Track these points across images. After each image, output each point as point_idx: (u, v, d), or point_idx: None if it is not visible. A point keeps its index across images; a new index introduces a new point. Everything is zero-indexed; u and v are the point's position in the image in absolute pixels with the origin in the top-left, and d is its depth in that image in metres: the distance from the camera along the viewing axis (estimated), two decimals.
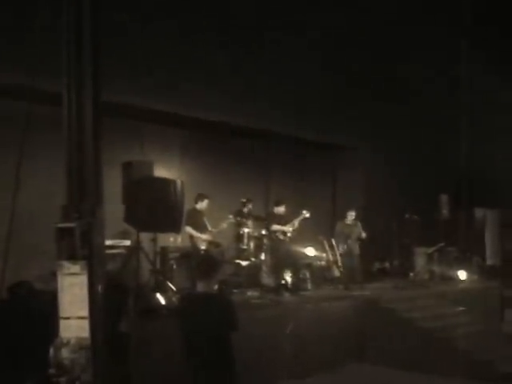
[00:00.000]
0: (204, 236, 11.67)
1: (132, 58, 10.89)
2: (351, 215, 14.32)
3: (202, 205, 11.92)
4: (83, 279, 4.16)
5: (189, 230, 11.56)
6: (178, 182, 10.17)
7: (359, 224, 14.29)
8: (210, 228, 11.95)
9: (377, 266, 16.50)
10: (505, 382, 9.65)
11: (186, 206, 10.71)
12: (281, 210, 12.95)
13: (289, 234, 12.81)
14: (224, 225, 12.08)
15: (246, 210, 12.59)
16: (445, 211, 17.05)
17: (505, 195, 18.69)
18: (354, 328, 11.30)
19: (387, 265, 16.37)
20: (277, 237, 12.69)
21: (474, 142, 19.03)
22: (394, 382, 9.99)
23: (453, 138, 18.62)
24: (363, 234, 14.11)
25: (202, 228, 11.77)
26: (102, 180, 4.49)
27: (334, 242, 13.79)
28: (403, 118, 17.00)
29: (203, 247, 11.57)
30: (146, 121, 12.79)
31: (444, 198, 17.12)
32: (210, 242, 11.75)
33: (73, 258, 4.16)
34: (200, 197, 11.92)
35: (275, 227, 12.69)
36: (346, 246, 13.94)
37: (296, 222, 12.83)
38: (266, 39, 13.26)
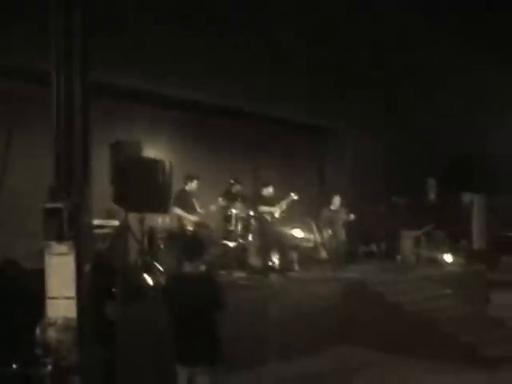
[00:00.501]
0: (192, 217, 11.61)
1: (121, 39, 10.82)
2: (336, 201, 14.32)
3: (192, 186, 11.85)
4: (70, 259, 4.16)
5: (177, 210, 11.51)
6: (167, 163, 10.14)
7: (344, 210, 14.29)
8: (198, 209, 11.92)
9: (363, 248, 16.57)
10: (489, 364, 9.73)
11: (175, 187, 10.68)
12: (269, 191, 12.88)
13: (276, 216, 12.77)
14: (213, 207, 12.06)
15: (233, 190, 12.58)
16: (432, 195, 17.12)
17: (494, 180, 18.79)
18: (341, 310, 11.35)
19: (374, 247, 16.43)
20: (264, 218, 12.66)
21: (464, 126, 19.05)
22: (380, 364, 10.07)
23: (441, 122, 18.62)
24: (351, 216, 14.12)
25: (190, 209, 11.71)
26: (89, 161, 4.48)
27: (321, 224, 13.85)
28: (391, 101, 16.98)
29: (190, 228, 11.53)
30: (134, 101, 12.73)
31: (431, 181, 17.18)
32: (197, 224, 11.68)
33: (60, 238, 4.16)
34: (189, 178, 11.85)
35: (263, 208, 12.65)
36: (331, 231, 13.97)
37: (284, 204, 12.79)
38: (253, 20, 13.18)
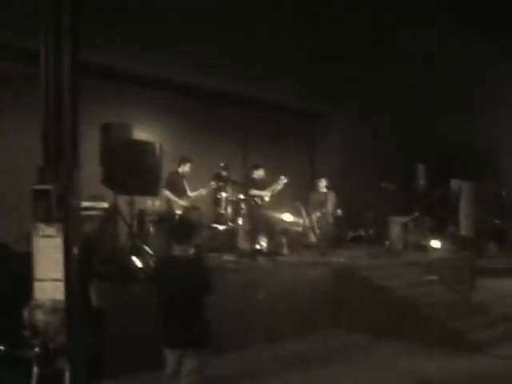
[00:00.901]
0: (181, 202, 11.58)
1: (112, 19, 10.75)
2: (322, 183, 14.38)
3: (184, 168, 11.82)
4: (58, 241, 4.13)
5: (167, 193, 11.48)
6: (157, 145, 10.11)
7: (333, 193, 14.33)
8: (189, 193, 11.89)
9: (351, 234, 16.61)
10: (475, 349, 9.82)
11: (165, 169, 10.65)
12: (259, 173, 12.86)
13: (266, 199, 12.75)
14: (203, 191, 12.02)
15: (224, 174, 12.54)
16: (421, 181, 17.14)
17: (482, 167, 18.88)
18: (329, 294, 11.39)
19: (362, 233, 16.47)
20: (254, 201, 12.64)
21: (453, 113, 19.09)
22: (367, 349, 10.13)
23: (432, 108, 18.65)
24: (338, 211, 14.19)
25: (181, 192, 11.69)
26: (78, 142, 4.45)
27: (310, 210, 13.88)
28: (382, 85, 16.97)
29: (179, 212, 11.46)
30: (125, 83, 12.67)
31: (421, 167, 17.20)
32: (186, 208, 11.63)
33: (48, 219, 4.13)
34: (183, 160, 11.82)
35: (253, 192, 12.62)
36: (320, 214, 14.00)
37: (275, 188, 12.75)
38: (245, 4, 13.13)
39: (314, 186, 14.78)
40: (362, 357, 9.68)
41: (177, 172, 11.80)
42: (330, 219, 14.11)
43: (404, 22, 16.99)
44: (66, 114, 4.33)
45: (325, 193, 14.35)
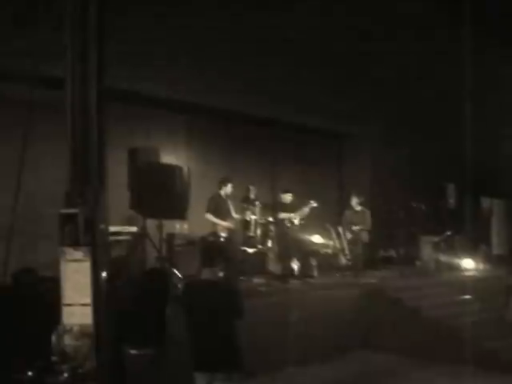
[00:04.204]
0: (224, 223, 11.42)
1: (137, 44, 10.81)
2: (355, 201, 14.11)
3: (226, 190, 11.63)
4: (86, 266, 4.12)
5: (209, 217, 11.36)
6: (185, 169, 10.14)
7: (368, 212, 14.08)
8: (234, 214, 11.77)
9: (382, 253, 16.45)
10: (510, 370, 9.64)
11: (193, 193, 10.59)
12: (287, 198, 12.83)
13: (296, 222, 12.70)
14: (236, 215, 11.92)
15: (251, 196, 12.51)
16: (451, 200, 16.98)
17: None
18: (360, 315, 11.29)
19: (392, 253, 16.29)
20: (283, 224, 12.60)
21: (481, 131, 18.90)
22: (399, 370, 9.99)
23: (460, 126, 18.49)
24: (369, 225, 13.93)
25: (225, 214, 11.52)
26: (106, 166, 4.44)
27: (340, 230, 13.75)
28: (410, 105, 16.86)
29: (223, 234, 11.30)
30: (152, 107, 12.75)
31: (451, 186, 17.05)
32: (231, 230, 11.51)
33: (76, 244, 4.12)
34: (224, 181, 11.65)
35: (282, 215, 12.58)
36: (352, 234, 13.80)
37: (303, 211, 12.68)
38: (267, 26, 13.11)
39: (347, 205, 14.59)
40: (397, 380, 9.55)
41: (219, 195, 11.62)
42: (364, 239, 13.84)
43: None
44: (92, 138, 4.33)
45: (360, 211, 14.02)
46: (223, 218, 11.48)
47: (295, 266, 12.26)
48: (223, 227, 11.41)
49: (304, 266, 12.54)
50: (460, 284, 13.21)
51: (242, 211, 12.18)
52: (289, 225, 12.63)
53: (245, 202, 12.32)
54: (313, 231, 13.57)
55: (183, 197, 9.98)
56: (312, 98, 14.46)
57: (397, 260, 16.00)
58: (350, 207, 14.13)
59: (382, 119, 16.38)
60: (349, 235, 13.75)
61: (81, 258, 4.07)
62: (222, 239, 11.19)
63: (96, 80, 4.40)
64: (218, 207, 11.45)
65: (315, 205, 12.73)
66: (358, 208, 14.00)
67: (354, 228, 13.72)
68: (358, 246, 13.70)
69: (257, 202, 12.33)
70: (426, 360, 10.26)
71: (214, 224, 11.42)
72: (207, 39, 11.44)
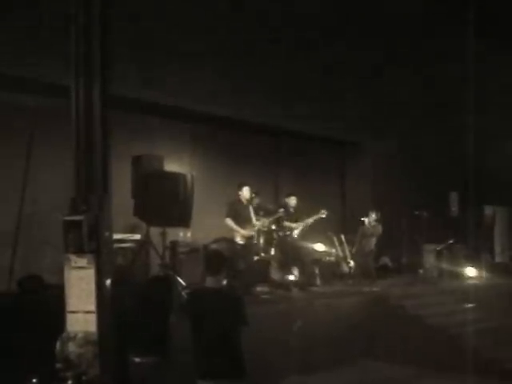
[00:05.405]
0: (242, 231, 11.17)
1: (142, 52, 10.84)
2: (372, 216, 13.88)
3: (244, 194, 11.34)
4: (90, 273, 4.13)
5: (228, 222, 11.14)
6: (189, 176, 10.13)
7: (380, 227, 13.91)
8: (254, 221, 11.47)
9: (386, 262, 16.40)
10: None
11: (197, 200, 10.50)
12: (292, 202, 12.72)
13: (296, 231, 12.57)
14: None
15: (255, 204, 12.44)
16: (454, 208, 16.97)
17: None
18: (363, 324, 11.26)
19: (388, 261, 16.08)
20: (286, 232, 12.54)
21: (483, 139, 18.88)
22: (403, 379, 9.96)
23: (463, 134, 18.48)
24: (378, 235, 13.82)
25: (245, 221, 11.28)
26: (110, 174, 4.47)
27: (343, 238, 13.75)
28: (413, 114, 16.87)
29: (240, 242, 11.15)
30: (156, 115, 12.76)
31: (453, 195, 17.04)
32: (248, 238, 11.27)
33: (80, 251, 4.14)
34: (239, 186, 11.39)
35: (286, 224, 12.49)
36: (360, 244, 13.71)
37: (310, 221, 12.59)
38: (272, 36, 13.13)
39: (353, 216, 14.49)
40: None
41: (239, 200, 11.35)
42: (370, 247, 13.75)
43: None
44: (96, 146, 4.36)
45: (373, 226, 13.87)
46: (242, 225, 11.23)
47: (297, 274, 12.18)
48: (242, 235, 11.20)
49: (307, 274, 12.51)
50: (463, 292, 13.18)
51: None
52: (292, 232, 12.55)
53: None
54: (315, 239, 13.55)
55: (187, 204, 9.97)
56: (315, 104, 14.47)
57: (398, 268, 15.98)
58: (365, 223, 14.01)
59: (384, 129, 16.39)
60: (357, 246, 13.70)
61: (85, 265, 4.08)
62: (238, 246, 11.10)
63: (100, 89, 4.43)
64: (237, 213, 11.21)
65: (324, 215, 12.60)
66: (374, 223, 13.85)
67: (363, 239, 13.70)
68: (364, 254, 13.65)
69: (261, 212, 12.27)
70: (429, 368, 10.23)
71: (230, 230, 11.21)
72: (212, 47, 11.46)
